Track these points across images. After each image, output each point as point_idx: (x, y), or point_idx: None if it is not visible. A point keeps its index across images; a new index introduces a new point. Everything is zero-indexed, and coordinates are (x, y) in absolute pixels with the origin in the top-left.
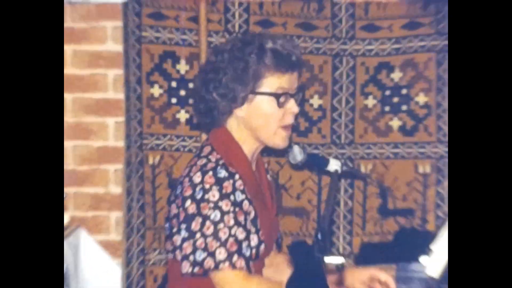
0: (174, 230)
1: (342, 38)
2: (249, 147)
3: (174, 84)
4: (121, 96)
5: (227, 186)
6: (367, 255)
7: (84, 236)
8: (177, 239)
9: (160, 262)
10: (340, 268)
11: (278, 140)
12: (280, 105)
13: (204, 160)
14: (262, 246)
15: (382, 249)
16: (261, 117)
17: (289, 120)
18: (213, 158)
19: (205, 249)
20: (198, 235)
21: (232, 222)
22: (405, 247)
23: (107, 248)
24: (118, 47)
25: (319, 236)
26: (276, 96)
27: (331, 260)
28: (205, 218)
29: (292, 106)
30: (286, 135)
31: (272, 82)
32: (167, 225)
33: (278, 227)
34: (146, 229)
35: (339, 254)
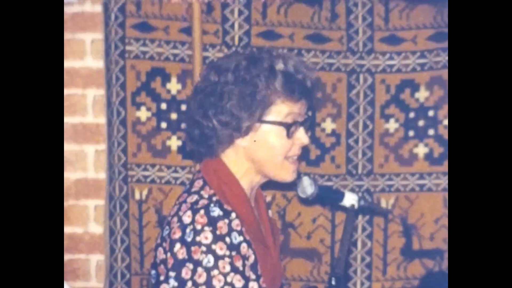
0: (162, 278)
1: (359, 52)
2: (248, 181)
3: (164, 106)
4: (102, 120)
5: (222, 226)
6: None
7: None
8: None
9: None
10: None
11: (285, 174)
12: (289, 135)
13: (195, 197)
14: None
15: None
16: (266, 149)
17: (296, 151)
18: (205, 194)
19: None
20: (189, 284)
21: (228, 268)
22: None
23: None
24: (99, 63)
25: (333, 282)
26: (287, 126)
27: None
28: (197, 264)
29: (301, 136)
30: (294, 167)
31: (281, 109)
32: (153, 272)
33: (282, 272)
34: (131, 275)
35: None
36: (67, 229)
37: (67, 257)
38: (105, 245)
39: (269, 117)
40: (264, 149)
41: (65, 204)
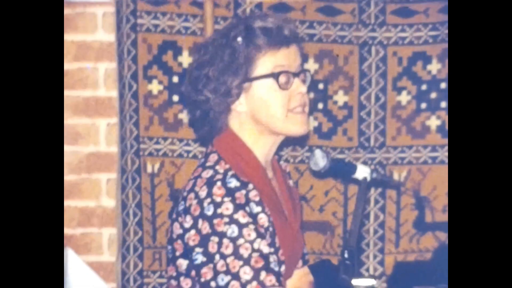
0: (177, 253)
1: (371, 24)
2: (261, 148)
3: (175, 79)
4: (114, 93)
5: (240, 197)
6: (402, 277)
7: (71, 257)
8: (182, 264)
9: (161, 287)
10: None
11: (293, 125)
12: (282, 86)
13: (210, 172)
14: (283, 268)
15: (419, 269)
16: (264, 106)
17: (298, 101)
18: (220, 168)
19: (227, 271)
20: (217, 257)
21: (253, 235)
22: (446, 267)
23: (99, 271)
24: (110, 37)
25: (346, 254)
26: (275, 76)
27: (360, 282)
28: (222, 235)
29: (298, 85)
30: (302, 118)
31: (267, 62)
32: (169, 247)
33: (303, 243)
34: (144, 248)
35: (370, 276)
36: (80, 203)
37: (79, 231)
38: (118, 218)
39: (256, 73)
40: (262, 107)
41: (77, 177)
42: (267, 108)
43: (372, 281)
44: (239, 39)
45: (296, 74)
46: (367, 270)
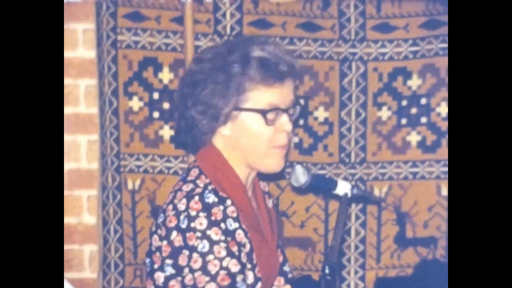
0: (156, 266)
1: (351, 40)
2: (241, 171)
3: (156, 95)
4: (94, 110)
5: (217, 212)
6: None
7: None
8: (159, 277)
9: None
10: None
11: (271, 162)
12: (269, 122)
13: (190, 185)
14: (259, 285)
15: (400, 285)
16: (248, 137)
17: (282, 140)
18: (201, 183)
19: (194, 285)
20: (186, 270)
21: (223, 253)
22: (427, 282)
23: None
24: (91, 54)
25: (327, 270)
26: (263, 112)
27: None
28: (192, 249)
29: (284, 123)
30: (280, 155)
31: (259, 96)
32: (148, 260)
33: (279, 263)
34: (125, 265)
35: None
36: None
37: None
38: (99, 235)
39: (247, 104)
40: (246, 137)
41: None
42: (250, 140)
43: None
44: (236, 66)
45: (285, 110)
46: (348, 286)
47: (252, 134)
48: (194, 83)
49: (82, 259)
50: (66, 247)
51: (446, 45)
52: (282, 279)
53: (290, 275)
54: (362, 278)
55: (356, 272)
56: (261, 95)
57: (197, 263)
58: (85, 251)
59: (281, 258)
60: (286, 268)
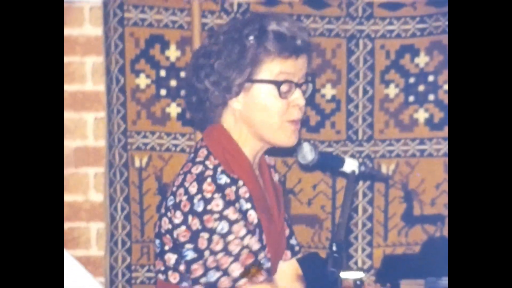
0: (166, 247)
1: (358, 17)
2: (250, 148)
3: (163, 73)
4: (101, 87)
5: (230, 193)
6: (390, 270)
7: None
8: (170, 258)
9: (149, 281)
10: (358, 285)
11: (284, 136)
12: (282, 95)
13: (200, 167)
14: (268, 265)
15: (407, 262)
16: (260, 110)
17: (295, 114)
18: (210, 164)
19: (217, 267)
20: (207, 253)
21: (243, 231)
22: (434, 260)
23: (87, 265)
24: (97, 31)
25: (334, 248)
26: (277, 84)
27: (348, 275)
28: (211, 232)
29: (298, 97)
30: (294, 130)
31: (273, 68)
32: (157, 241)
33: (286, 242)
34: (132, 242)
35: (358, 269)
36: (68, 198)
37: (67, 225)
38: (106, 213)
39: (260, 76)
40: (258, 110)
41: (65, 172)
42: (263, 113)
43: (360, 274)
44: (251, 38)
45: (299, 85)
46: (356, 263)
47: (265, 107)
48: (208, 54)
49: (89, 237)
50: (73, 224)
51: None
52: (288, 253)
53: (297, 248)
54: (370, 256)
55: (363, 250)
56: (276, 68)
57: (218, 245)
58: (92, 229)
59: (287, 232)
60: (293, 241)
